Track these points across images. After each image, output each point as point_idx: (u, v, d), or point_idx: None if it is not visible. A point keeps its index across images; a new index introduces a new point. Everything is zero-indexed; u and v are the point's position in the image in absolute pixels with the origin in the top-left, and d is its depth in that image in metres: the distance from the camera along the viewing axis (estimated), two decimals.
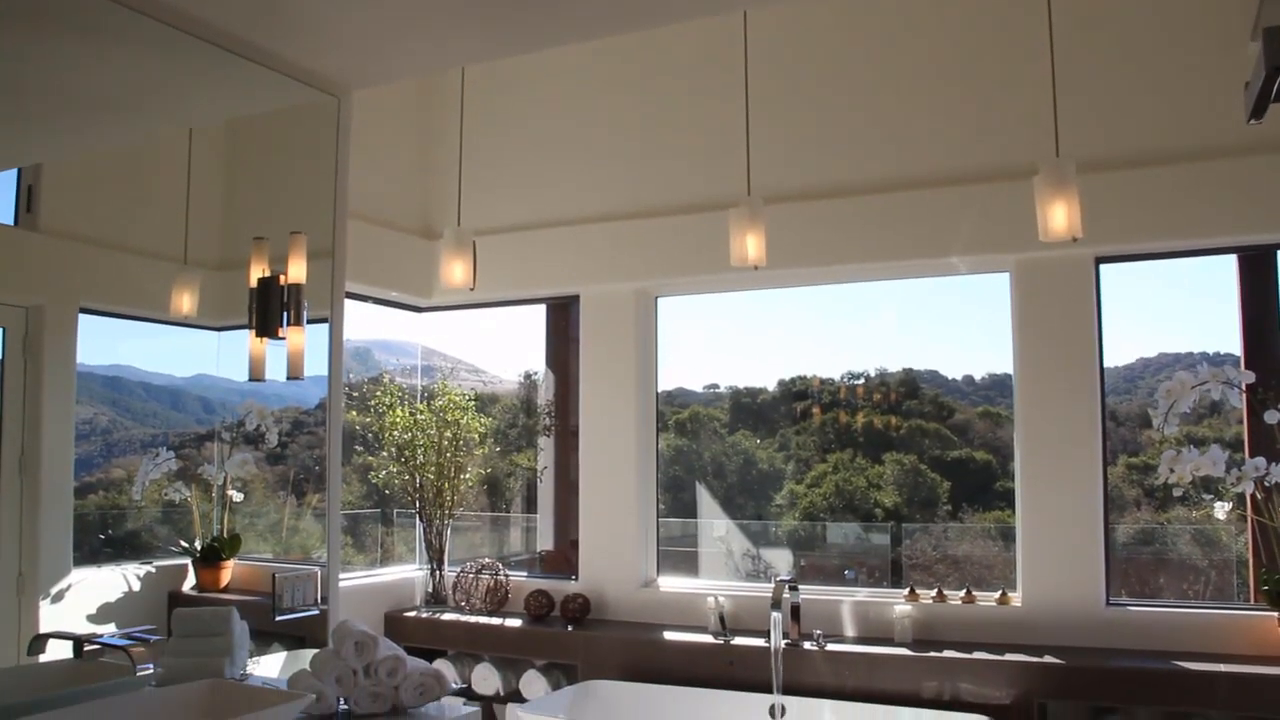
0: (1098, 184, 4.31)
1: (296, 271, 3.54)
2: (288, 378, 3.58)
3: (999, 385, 5.54)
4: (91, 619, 3.11)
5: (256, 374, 3.57)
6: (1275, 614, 4.20)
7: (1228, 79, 4.26)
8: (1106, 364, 4.68)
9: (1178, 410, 4.36)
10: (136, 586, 3.32)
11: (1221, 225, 4.42)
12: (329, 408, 3.89)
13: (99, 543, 3.27)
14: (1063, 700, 4.32)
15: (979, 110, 4.89)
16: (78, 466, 3.14)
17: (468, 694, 5.40)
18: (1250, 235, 4.43)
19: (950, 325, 5.61)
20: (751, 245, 4.31)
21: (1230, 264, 4.63)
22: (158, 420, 3.51)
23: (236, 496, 3.70)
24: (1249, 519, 4.43)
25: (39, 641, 2.90)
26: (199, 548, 3.55)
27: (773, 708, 4.52)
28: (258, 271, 3.53)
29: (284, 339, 3.54)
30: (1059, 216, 3.70)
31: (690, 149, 5.50)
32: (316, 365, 3.75)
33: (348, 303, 4.19)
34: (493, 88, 5.90)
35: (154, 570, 3.42)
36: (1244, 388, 4.34)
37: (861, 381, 5.84)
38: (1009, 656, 4.40)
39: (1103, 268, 4.69)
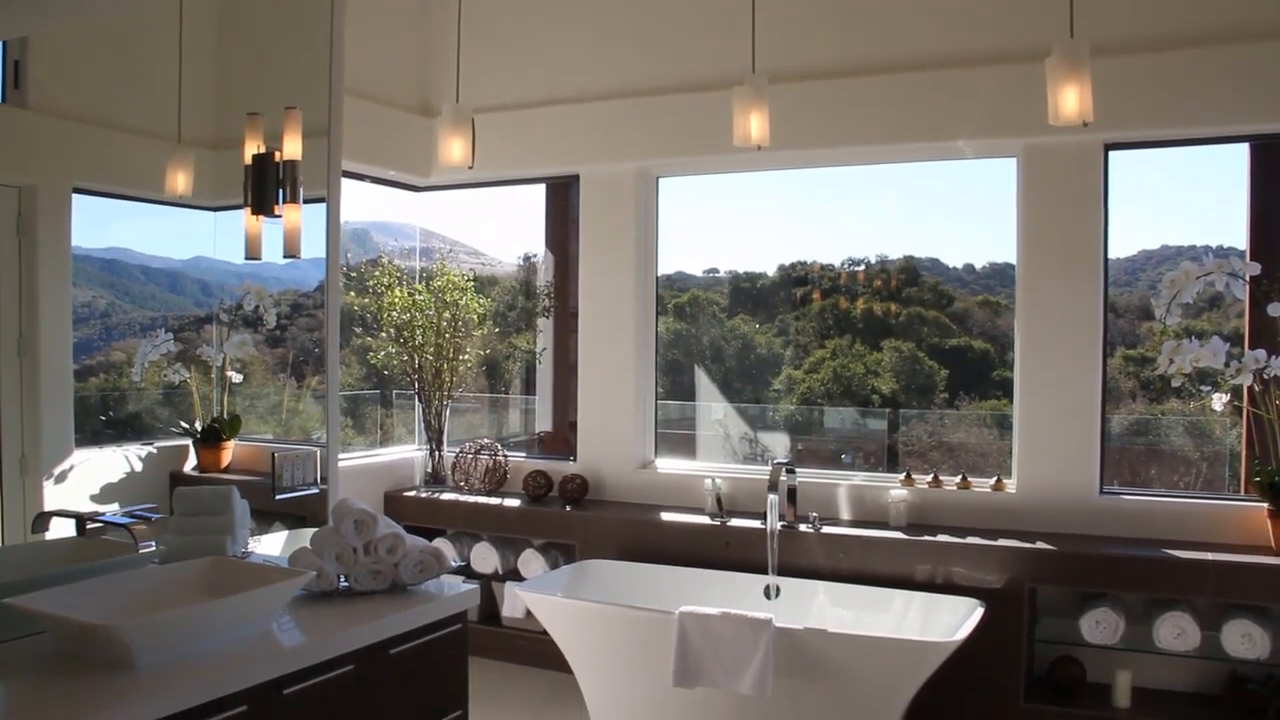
0: (1110, 68, 4.22)
1: (292, 148, 3.47)
2: (284, 256, 3.54)
3: (999, 274, 5.51)
4: (94, 499, 3.13)
5: (253, 252, 3.53)
6: (1265, 505, 4.25)
7: None
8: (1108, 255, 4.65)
9: (1180, 301, 4.34)
10: (138, 467, 3.33)
11: (1236, 113, 4.34)
12: (327, 286, 3.86)
13: (100, 424, 3.27)
14: (1053, 585, 4.40)
15: None
16: (78, 349, 3.13)
17: (466, 572, 5.49)
18: (1265, 124, 4.35)
19: (952, 213, 5.56)
20: (755, 125, 4.23)
21: (1241, 154, 4.57)
22: (156, 303, 3.49)
23: (236, 378, 3.70)
24: (1245, 411, 4.45)
25: (42, 519, 2.92)
26: (199, 429, 3.56)
27: (768, 588, 4.60)
28: (252, 148, 3.47)
29: (280, 217, 3.49)
30: (1070, 100, 3.63)
31: (694, 25, 5.37)
32: (314, 247, 3.70)
33: (345, 182, 4.12)
34: None
35: (155, 451, 3.43)
36: (1248, 279, 4.31)
37: (862, 268, 5.80)
38: (1001, 542, 4.46)
39: (1111, 155, 4.61)
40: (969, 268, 5.71)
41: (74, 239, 3.08)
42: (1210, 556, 4.17)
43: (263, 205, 3.47)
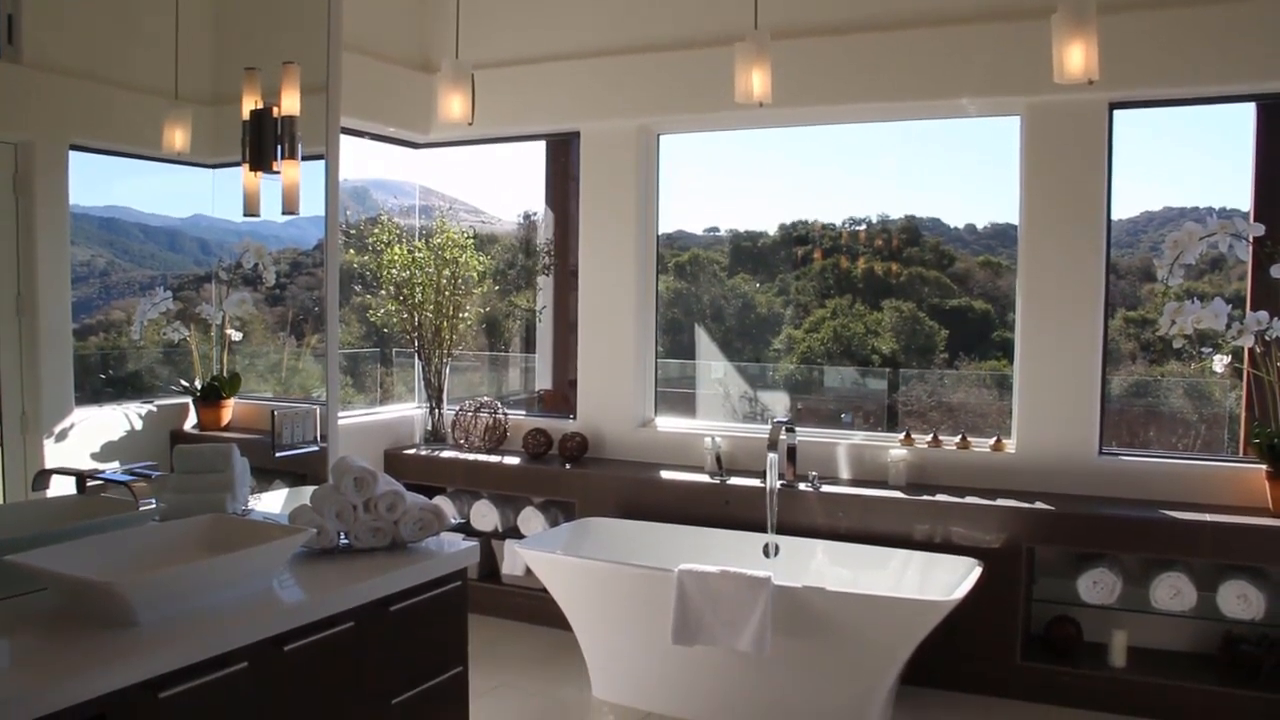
0: (1116, 25, 4.18)
1: (290, 103, 3.44)
2: (283, 213, 3.52)
3: (1001, 235, 5.49)
4: (95, 457, 3.13)
5: (252, 209, 3.51)
6: (1264, 467, 4.26)
7: None
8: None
9: (1183, 262, 4.33)
10: (138, 425, 3.33)
11: (1244, 71, 4.30)
12: (326, 243, 3.85)
13: (100, 383, 3.27)
14: (1051, 545, 4.42)
15: None
16: (77, 308, 3.12)
17: (466, 530, 5.51)
18: (1273, 83, 4.31)
19: (954, 173, 5.52)
20: (757, 81, 4.20)
21: (1247, 114, 4.53)
22: (156, 262, 3.47)
23: (235, 336, 3.69)
24: (1245, 373, 4.45)
25: (43, 477, 2.92)
26: (199, 387, 3.56)
27: (767, 546, 4.62)
28: (250, 103, 3.44)
29: (278, 173, 3.47)
30: (1075, 57, 3.59)
31: None
32: (313, 205, 3.69)
33: (344, 139, 4.10)
34: None
35: (155, 409, 3.42)
36: (1252, 240, 4.29)
37: (863, 227, 5.78)
38: (1000, 502, 4.48)
39: (1116, 114, 4.58)
40: (970, 228, 5.69)
41: (72, 197, 3.06)
42: (1208, 518, 4.18)
43: (261, 161, 3.45)
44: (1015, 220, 4.81)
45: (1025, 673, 4.39)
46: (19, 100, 2.95)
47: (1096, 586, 4.31)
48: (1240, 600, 4.12)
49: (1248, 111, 4.54)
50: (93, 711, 2.12)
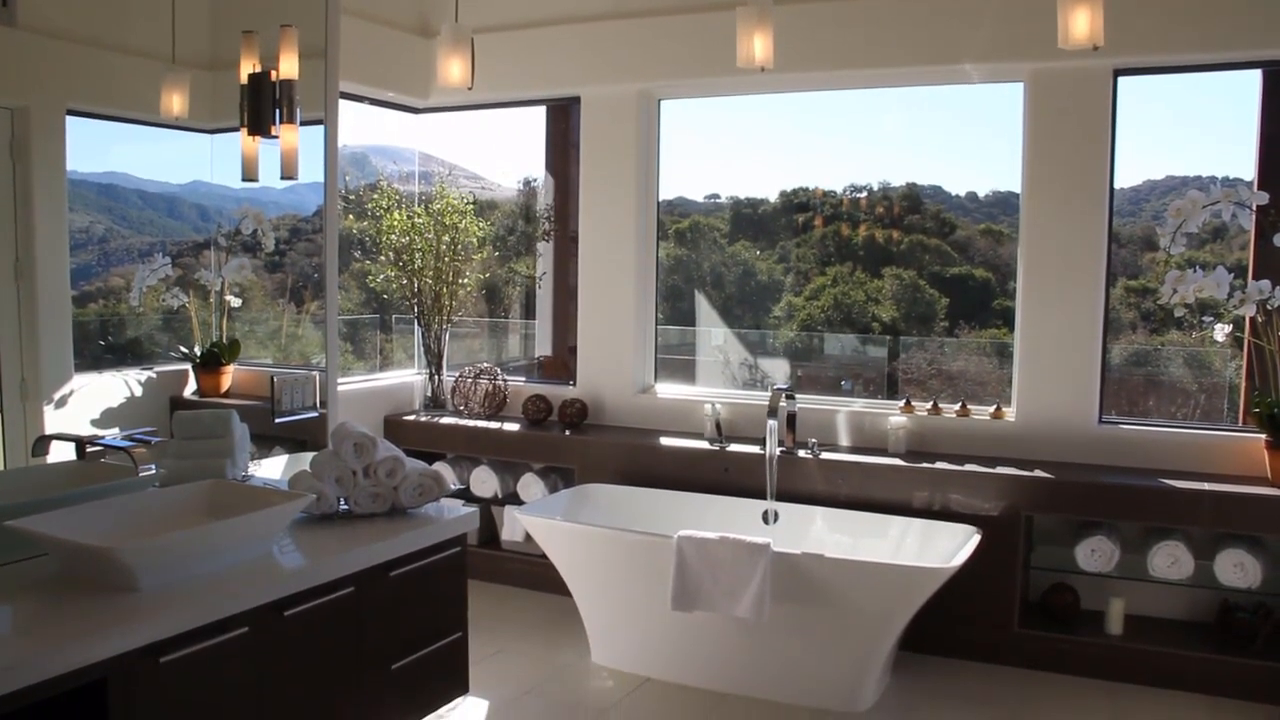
0: None
1: (288, 67, 3.42)
2: (282, 177, 3.50)
3: (1002, 203, 5.47)
4: (95, 423, 3.14)
5: (250, 174, 3.50)
6: (1263, 436, 4.26)
7: None
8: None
9: (1185, 230, 4.31)
10: (138, 392, 3.33)
11: (1250, 38, 4.26)
12: (325, 207, 3.84)
13: (99, 349, 3.27)
14: (1050, 514, 4.43)
15: None
16: (76, 275, 3.11)
17: (466, 496, 5.52)
18: (1278, 50, 4.28)
19: (957, 140, 5.49)
20: (759, 46, 4.17)
21: (1252, 81, 4.50)
22: (154, 228, 3.46)
23: (234, 302, 3.69)
24: (1246, 342, 4.44)
25: (42, 443, 2.93)
26: (199, 353, 3.55)
27: (766, 513, 4.63)
28: (248, 67, 3.42)
29: (277, 138, 3.45)
30: (1080, 22, 3.55)
31: None
32: (312, 171, 3.67)
33: (342, 104, 4.07)
34: None
35: (155, 376, 3.43)
36: (1255, 209, 4.27)
37: (864, 194, 5.76)
38: (999, 470, 4.49)
39: (1120, 82, 4.55)
40: (972, 195, 5.67)
41: (69, 163, 3.05)
42: (1207, 487, 4.19)
43: (259, 126, 3.43)
44: (1017, 188, 4.79)
45: (1022, 640, 4.42)
46: (15, 65, 2.93)
47: (1094, 554, 4.33)
48: (1237, 569, 4.13)
49: (1252, 79, 4.51)
50: (95, 676, 2.13)
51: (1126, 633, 4.37)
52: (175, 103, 3.37)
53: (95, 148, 3.17)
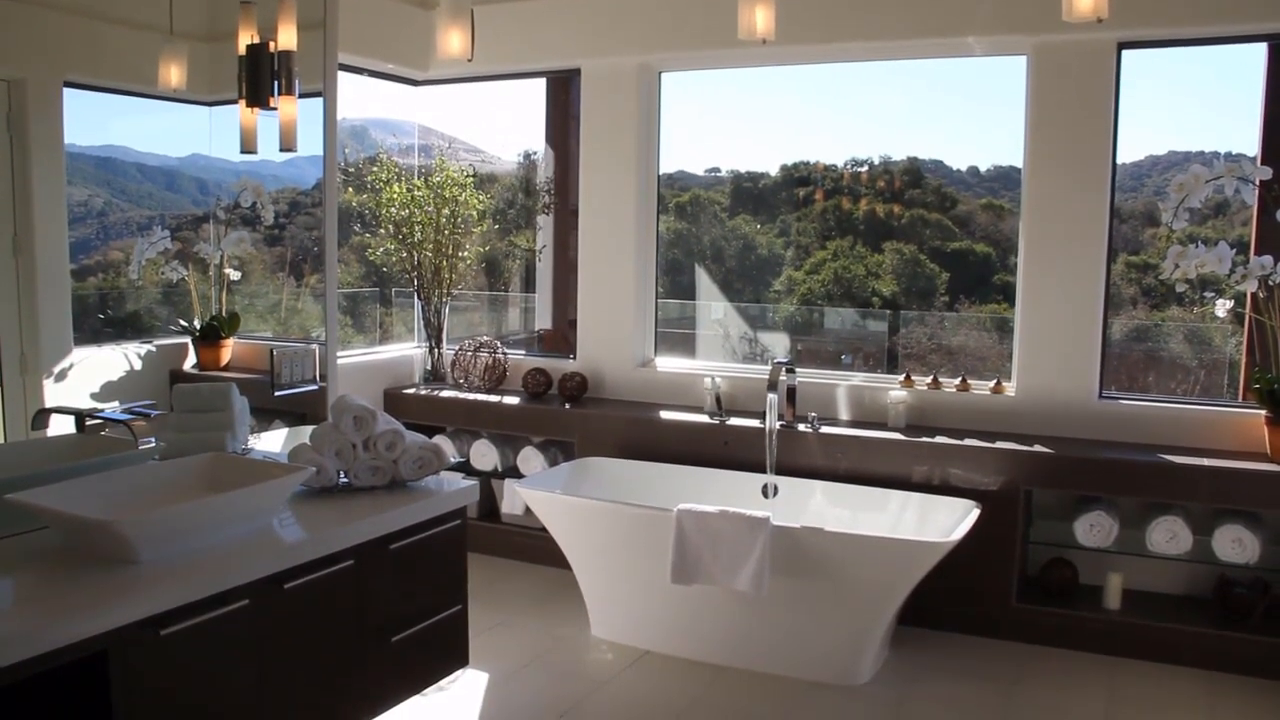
0: None
1: (286, 38, 3.40)
2: (281, 149, 3.49)
3: (1004, 178, 5.45)
4: (95, 397, 3.14)
5: (249, 145, 3.48)
6: (1263, 412, 4.26)
7: None
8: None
9: (1188, 205, 4.28)
10: (138, 365, 3.33)
11: (1255, 11, 4.22)
12: (325, 179, 3.83)
13: (99, 323, 3.26)
14: (1049, 488, 4.43)
15: None
16: (75, 249, 3.10)
17: (466, 469, 5.53)
18: None
19: (958, 114, 5.47)
20: (760, 17, 4.13)
21: (1256, 55, 4.47)
22: (153, 202, 3.45)
23: (234, 275, 3.68)
24: (1247, 318, 4.44)
25: (42, 416, 2.93)
26: (198, 327, 3.55)
27: (765, 487, 4.64)
28: (246, 38, 3.40)
29: (275, 109, 3.44)
30: None
31: None
32: (312, 145, 3.66)
33: (341, 76, 4.05)
34: None
35: (154, 349, 3.42)
36: (1258, 184, 4.26)
37: (865, 168, 5.74)
38: (999, 444, 4.49)
39: (1124, 55, 4.52)
40: (973, 170, 5.65)
41: (68, 136, 3.03)
42: (1206, 462, 4.20)
43: (258, 97, 3.42)
44: (1019, 163, 4.77)
45: (1021, 614, 4.43)
46: (11, 35, 2.91)
47: (1093, 529, 4.33)
48: (1235, 544, 4.14)
49: (1257, 52, 4.48)
50: (95, 648, 2.14)
51: (1124, 608, 4.39)
52: (173, 74, 3.35)
53: (93, 120, 3.16)
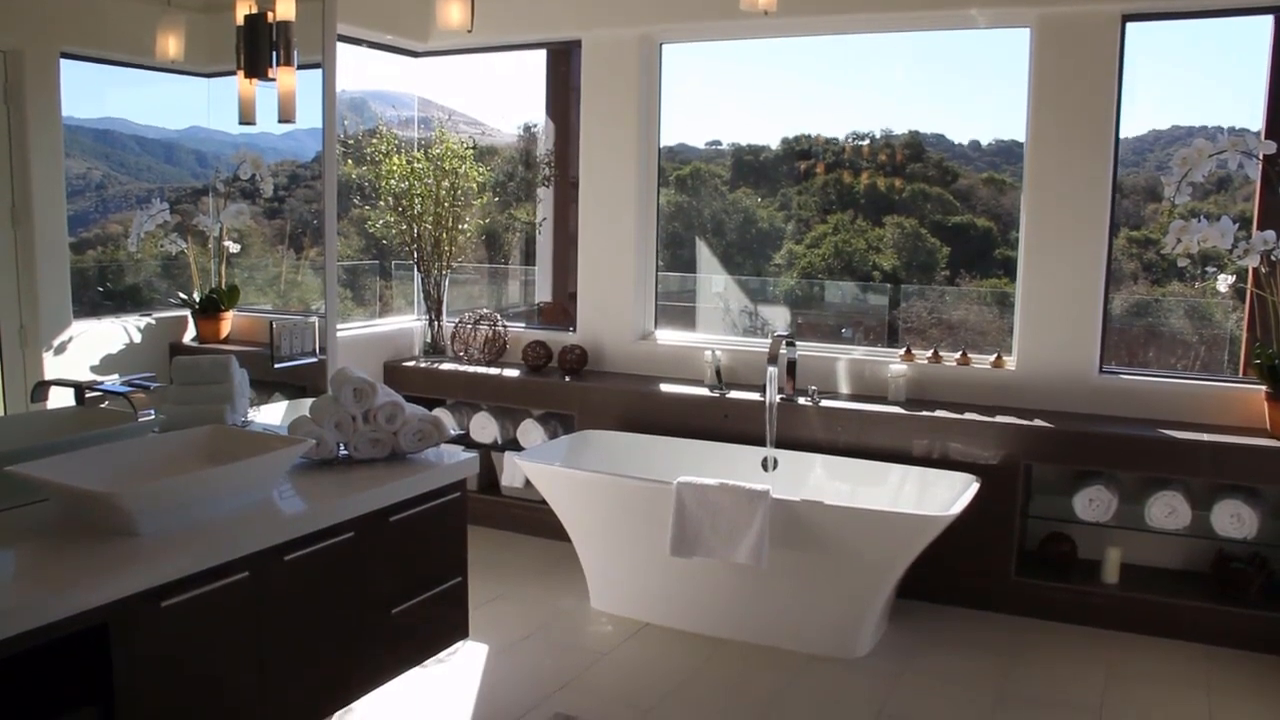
0: None
1: (285, 8, 3.38)
2: (279, 121, 3.48)
3: (1005, 152, 5.43)
4: (94, 370, 3.13)
5: (247, 116, 3.47)
6: (1264, 388, 4.26)
7: None
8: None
9: (1191, 179, 4.26)
10: (137, 338, 3.33)
11: None
12: (324, 151, 3.81)
13: (98, 296, 3.26)
14: (1048, 463, 4.44)
15: None
16: (74, 222, 3.09)
17: (465, 442, 5.53)
18: None
19: (960, 87, 5.43)
20: None
21: (1262, 28, 4.44)
22: (152, 174, 3.44)
23: (233, 248, 3.67)
24: (1248, 293, 4.43)
25: (41, 388, 2.92)
26: (198, 299, 3.54)
27: (765, 460, 4.64)
28: (244, 8, 3.38)
29: (274, 80, 3.42)
30: None
31: None
32: (311, 117, 3.64)
33: (341, 47, 4.03)
34: None
35: (154, 322, 3.42)
36: (1262, 158, 4.23)
37: (866, 142, 5.71)
38: (999, 419, 4.49)
39: (1129, 27, 4.49)
40: (975, 144, 5.62)
41: (65, 109, 3.01)
42: (1205, 438, 4.20)
43: (256, 68, 3.40)
44: (1020, 137, 4.74)
45: (1019, 588, 4.45)
46: (6, 5, 2.88)
47: (1092, 504, 4.34)
48: (1234, 519, 4.15)
49: (1261, 26, 4.45)
50: (96, 620, 2.15)
51: (1122, 582, 4.40)
52: (171, 45, 3.33)
53: (91, 92, 3.14)
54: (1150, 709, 3.70)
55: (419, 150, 5.87)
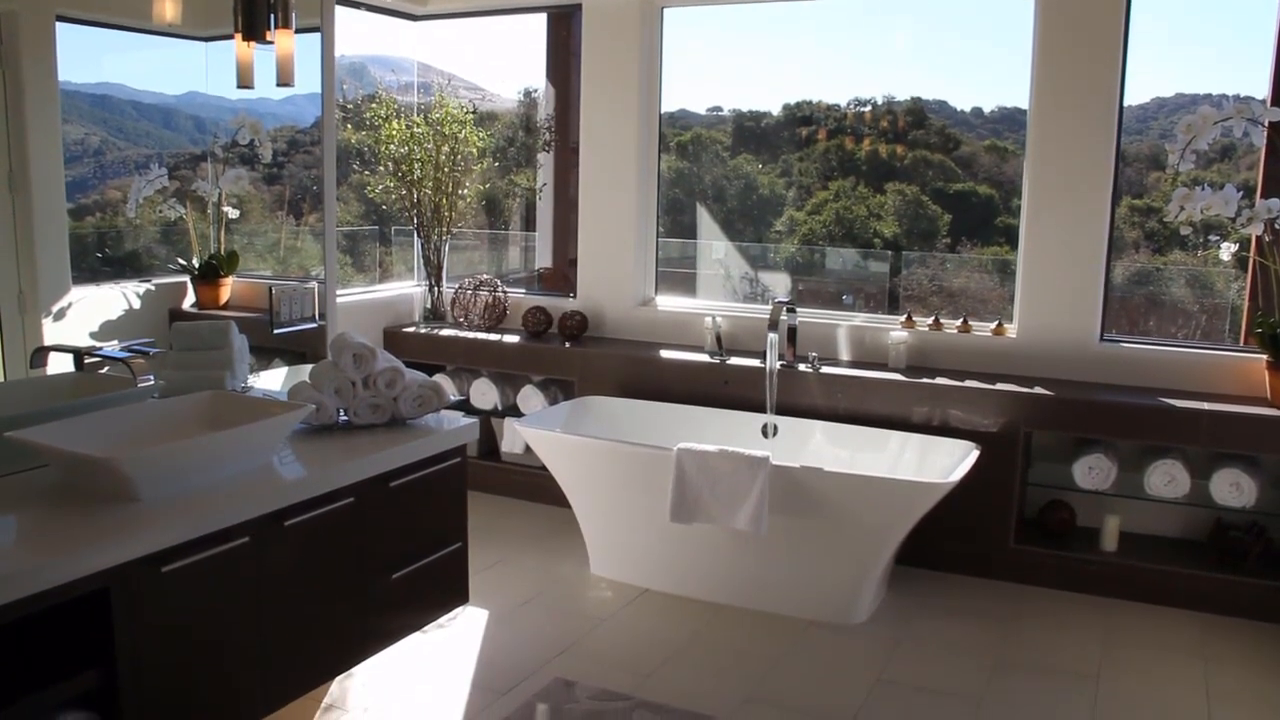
0: None
1: None
2: (278, 84, 3.45)
3: (1008, 119, 5.39)
4: (94, 336, 3.13)
5: (245, 80, 3.44)
6: (1265, 357, 4.25)
7: None
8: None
9: (1196, 146, 4.23)
10: (137, 304, 3.32)
11: None
12: (323, 115, 3.79)
13: (97, 262, 3.24)
14: (1048, 431, 4.44)
15: None
16: (72, 188, 3.07)
17: (466, 408, 5.53)
18: None
19: (963, 54, 5.39)
20: None
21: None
22: (151, 140, 3.41)
23: (232, 214, 3.65)
24: (1251, 262, 4.41)
25: (40, 354, 2.92)
26: (197, 265, 3.53)
27: (765, 427, 4.64)
28: None
29: (272, 43, 3.39)
30: None
31: None
32: (309, 82, 3.61)
33: (339, 10, 4.00)
34: None
35: (153, 288, 3.41)
36: (1267, 125, 4.20)
37: (868, 108, 5.67)
38: (999, 386, 4.49)
39: None
40: (977, 111, 5.59)
41: (62, 73, 2.99)
42: (1205, 406, 4.20)
43: (254, 31, 3.37)
44: (1023, 104, 4.71)
45: (1018, 555, 4.46)
46: None
47: (1092, 472, 4.35)
48: (1233, 488, 4.16)
49: None
50: (97, 585, 2.15)
51: (1121, 550, 4.41)
52: (168, 8, 3.30)
53: (87, 57, 3.11)
54: (1147, 676, 3.72)
55: (419, 115, 5.84)
